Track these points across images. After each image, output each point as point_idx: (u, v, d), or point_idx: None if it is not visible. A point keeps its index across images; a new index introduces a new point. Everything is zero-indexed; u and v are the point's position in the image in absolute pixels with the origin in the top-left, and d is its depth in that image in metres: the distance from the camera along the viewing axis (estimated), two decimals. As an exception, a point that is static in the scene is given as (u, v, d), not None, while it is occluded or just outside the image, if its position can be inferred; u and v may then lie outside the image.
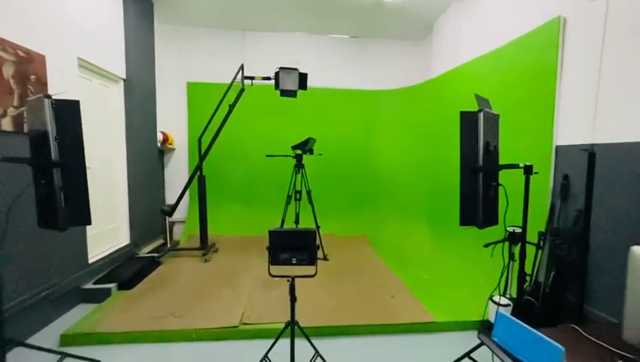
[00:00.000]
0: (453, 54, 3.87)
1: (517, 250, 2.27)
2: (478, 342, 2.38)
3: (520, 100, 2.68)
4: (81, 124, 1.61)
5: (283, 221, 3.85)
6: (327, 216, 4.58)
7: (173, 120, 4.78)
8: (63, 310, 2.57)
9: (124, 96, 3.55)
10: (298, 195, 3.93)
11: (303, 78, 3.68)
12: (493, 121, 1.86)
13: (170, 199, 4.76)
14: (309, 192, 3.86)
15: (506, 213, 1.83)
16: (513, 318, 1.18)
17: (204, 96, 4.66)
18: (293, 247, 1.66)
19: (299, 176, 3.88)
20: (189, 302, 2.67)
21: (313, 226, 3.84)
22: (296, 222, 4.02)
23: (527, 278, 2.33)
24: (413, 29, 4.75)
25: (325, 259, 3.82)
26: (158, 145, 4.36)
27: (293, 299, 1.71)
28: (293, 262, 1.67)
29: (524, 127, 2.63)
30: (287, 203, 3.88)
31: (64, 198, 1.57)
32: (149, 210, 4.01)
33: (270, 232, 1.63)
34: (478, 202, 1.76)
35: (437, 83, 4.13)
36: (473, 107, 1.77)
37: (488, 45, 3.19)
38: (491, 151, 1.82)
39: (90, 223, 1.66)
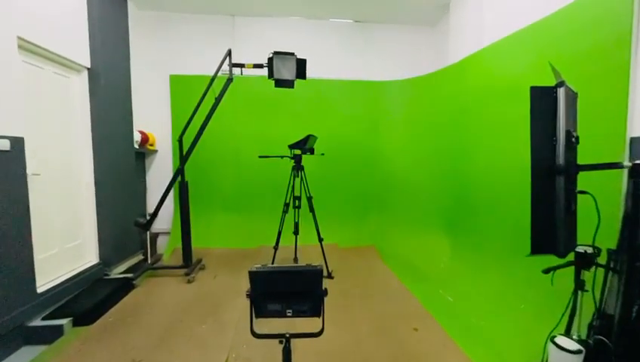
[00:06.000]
0: (476, 35, 3.32)
1: (589, 276, 1.72)
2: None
3: (574, 83, 2.11)
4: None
5: (280, 233, 3.30)
6: (329, 224, 4.01)
7: (154, 118, 4.22)
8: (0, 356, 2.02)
9: (89, 88, 3.00)
10: (297, 202, 3.38)
11: (301, 65, 3.14)
12: (572, 101, 1.31)
13: (153, 208, 4.19)
14: (309, 199, 3.30)
15: (596, 233, 1.27)
16: None
17: (189, 91, 4.07)
18: (287, 294, 1.10)
19: (297, 179, 3.32)
20: (159, 342, 2.11)
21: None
22: (296, 232, 3.48)
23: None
24: (425, 11, 4.20)
25: (330, 276, 3.25)
26: (136, 146, 3.80)
27: (288, 370, 1.15)
28: (288, 314, 1.11)
29: (582, 116, 2.06)
30: (285, 211, 3.33)
31: None
32: (124, 222, 3.44)
33: (251, 274, 1.07)
34: (558, 219, 1.20)
35: (456, 70, 3.57)
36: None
37: (522, 21, 2.63)
38: (573, 145, 1.27)
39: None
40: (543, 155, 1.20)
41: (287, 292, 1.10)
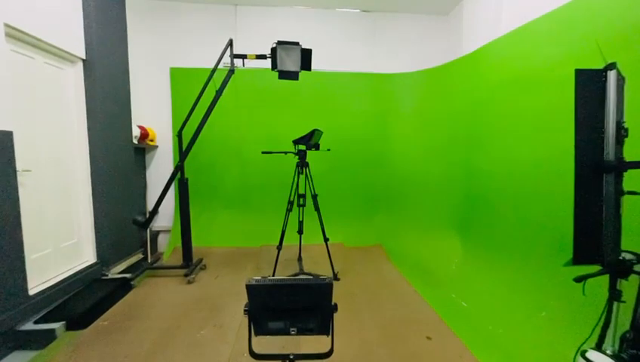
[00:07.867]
0: (493, 24, 3.11)
1: (625, 285, 1.55)
2: None
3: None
4: None
5: (283, 232, 3.15)
6: (335, 222, 3.88)
7: (154, 112, 4.09)
8: (-12, 362, 1.91)
9: (84, 80, 2.87)
10: (302, 200, 3.23)
11: (306, 56, 2.97)
12: (620, 87, 1.13)
13: (153, 205, 4.08)
14: (314, 196, 3.15)
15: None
16: None
17: (190, 84, 3.93)
18: (290, 309, 0.95)
19: (302, 176, 3.17)
20: (154, 349, 1.98)
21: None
22: (300, 231, 3.33)
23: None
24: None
25: (336, 278, 3.11)
26: (135, 141, 3.68)
27: (293, 396, 1.00)
28: (292, 333, 0.96)
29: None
30: (289, 210, 3.17)
31: None
32: (123, 220, 3.33)
33: (249, 288, 0.92)
34: (607, 224, 1.03)
35: (471, 60, 3.37)
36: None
37: (545, 6, 2.41)
38: (622, 138, 1.09)
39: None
40: (589, 149, 1.03)
41: (291, 307, 0.95)
